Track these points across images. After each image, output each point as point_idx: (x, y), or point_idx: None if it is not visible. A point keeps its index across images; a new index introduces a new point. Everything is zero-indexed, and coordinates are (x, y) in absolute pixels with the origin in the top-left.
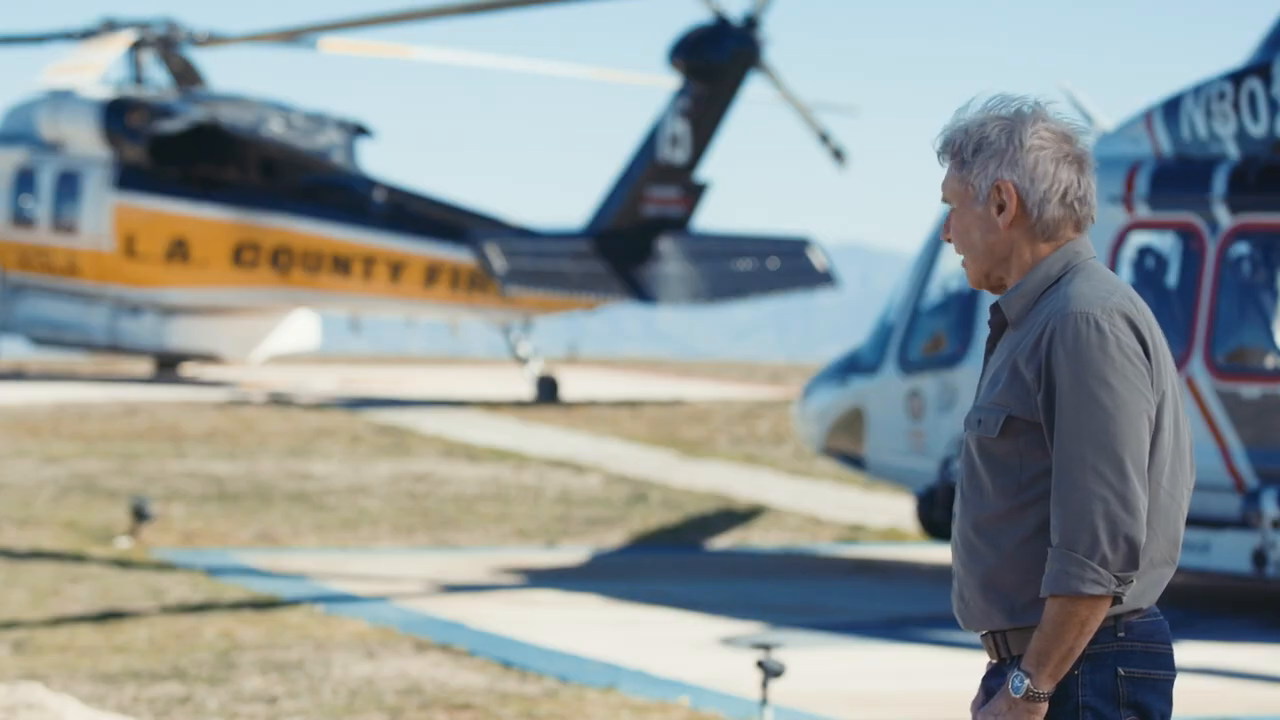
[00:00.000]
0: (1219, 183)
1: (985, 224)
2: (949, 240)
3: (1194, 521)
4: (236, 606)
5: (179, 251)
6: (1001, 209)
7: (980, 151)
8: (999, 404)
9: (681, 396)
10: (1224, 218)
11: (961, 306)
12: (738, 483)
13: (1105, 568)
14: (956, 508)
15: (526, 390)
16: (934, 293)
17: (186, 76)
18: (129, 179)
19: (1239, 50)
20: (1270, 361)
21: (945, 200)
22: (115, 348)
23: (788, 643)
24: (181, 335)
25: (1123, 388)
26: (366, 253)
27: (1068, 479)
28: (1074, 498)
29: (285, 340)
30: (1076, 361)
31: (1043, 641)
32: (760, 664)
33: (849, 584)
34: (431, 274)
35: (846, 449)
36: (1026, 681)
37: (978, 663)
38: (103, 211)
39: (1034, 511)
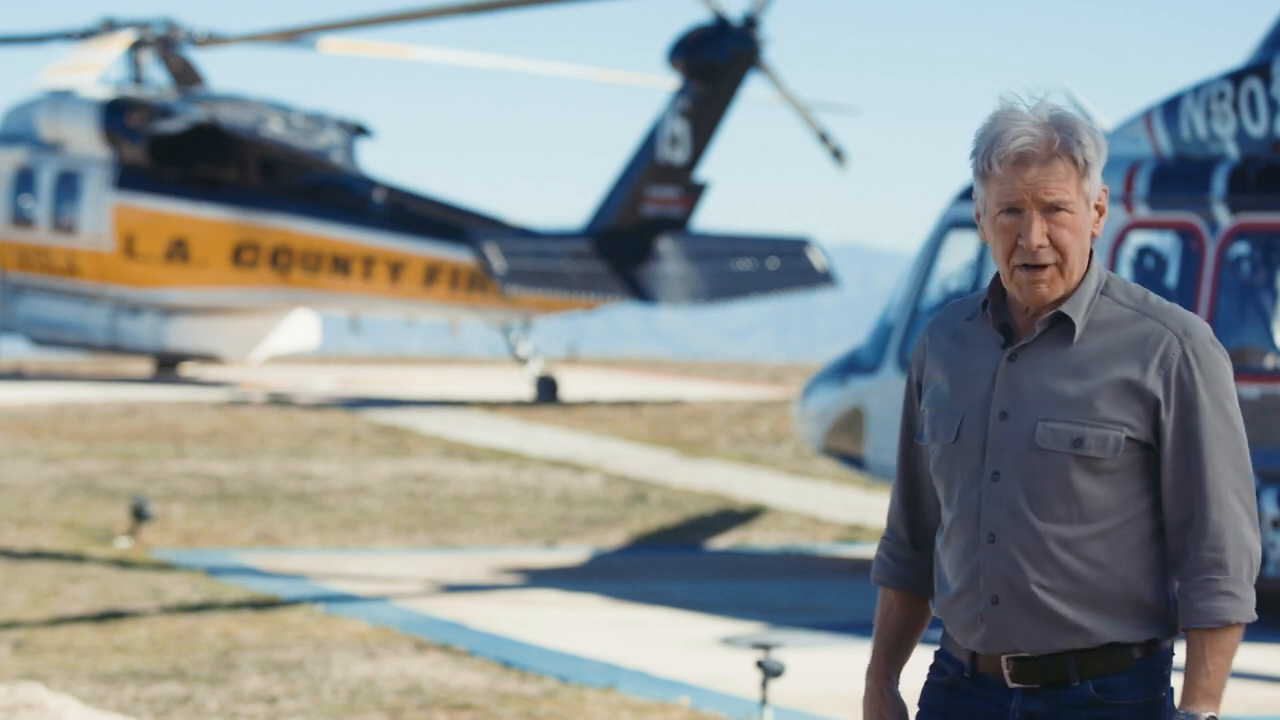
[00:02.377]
0: (1219, 183)
1: (1088, 229)
2: (1033, 246)
3: None
4: (236, 606)
5: (179, 251)
6: (1102, 213)
7: (1098, 159)
8: (1116, 421)
9: (681, 396)
10: (1224, 218)
11: None
12: (738, 483)
13: (1252, 592)
14: (1007, 522)
15: (526, 390)
16: (934, 292)
17: (186, 76)
18: (129, 179)
19: (1239, 50)
20: (1270, 361)
21: (1051, 203)
22: (115, 348)
23: (788, 643)
24: (181, 335)
25: (1239, 411)
26: (366, 253)
27: (1218, 503)
28: (1229, 523)
29: (285, 340)
30: (1214, 383)
31: (1215, 676)
32: (760, 664)
33: (849, 584)
34: (431, 274)
35: (846, 449)
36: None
37: None
38: (102, 211)
39: (1134, 529)
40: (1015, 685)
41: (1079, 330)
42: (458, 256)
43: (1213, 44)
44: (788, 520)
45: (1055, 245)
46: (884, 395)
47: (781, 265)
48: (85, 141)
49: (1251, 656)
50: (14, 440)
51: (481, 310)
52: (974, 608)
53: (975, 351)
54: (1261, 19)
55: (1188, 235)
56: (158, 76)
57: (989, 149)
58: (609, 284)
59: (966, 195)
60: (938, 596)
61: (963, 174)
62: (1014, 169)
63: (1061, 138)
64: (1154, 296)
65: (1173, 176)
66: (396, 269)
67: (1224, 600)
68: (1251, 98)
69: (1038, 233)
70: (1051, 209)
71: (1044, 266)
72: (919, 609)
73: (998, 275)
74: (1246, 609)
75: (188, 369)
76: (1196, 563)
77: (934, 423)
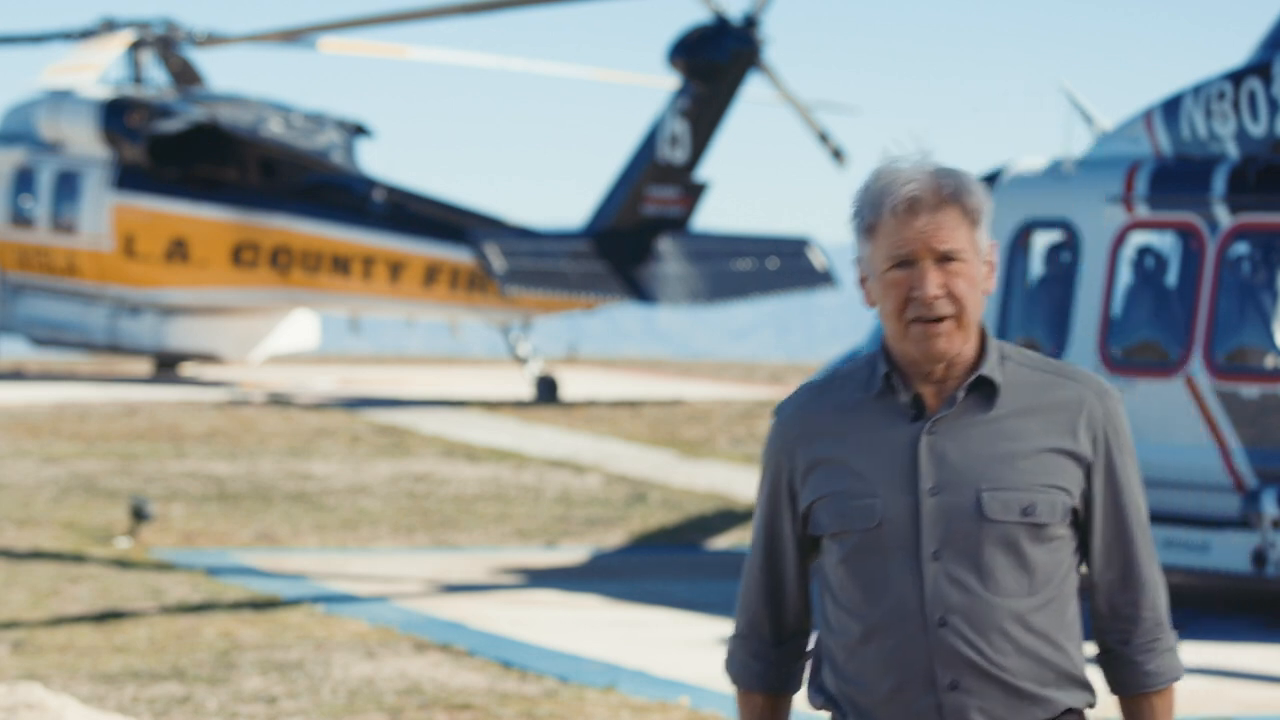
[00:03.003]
0: (1219, 182)
1: (981, 282)
2: (929, 297)
3: (1194, 521)
4: (236, 606)
5: (178, 251)
6: (992, 269)
7: (987, 211)
8: (1058, 486)
9: (681, 396)
10: (1224, 217)
11: None
12: (738, 483)
13: None
14: (959, 601)
15: (526, 390)
16: None
17: (186, 76)
18: (128, 179)
19: (1239, 50)
20: (1270, 361)
21: (944, 251)
22: (115, 348)
23: None
24: (181, 335)
25: None
26: (366, 253)
27: (1150, 561)
28: (1160, 580)
29: (285, 340)
30: (1128, 441)
31: None
32: None
33: None
34: (431, 274)
35: None
36: None
37: None
38: (102, 211)
39: (1067, 596)
40: None
41: (1001, 395)
42: (457, 256)
43: (1212, 44)
44: None
45: (952, 296)
46: None
47: (781, 265)
48: (85, 141)
49: (1251, 656)
50: (14, 440)
51: (481, 310)
52: (926, 699)
53: (877, 427)
54: (1261, 19)
55: (1188, 235)
56: (157, 76)
57: (875, 202)
58: (609, 284)
59: None
60: (853, 697)
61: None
62: (904, 218)
63: (951, 185)
64: (1047, 358)
65: (1173, 176)
66: (396, 269)
67: (1170, 659)
68: (1252, 97)
69: (933, 283)
70: (945, 258)
71: (942, 319)
72: (784, 706)
73: (883, 343)
74: (1182, 666)
75: (187, 369)
76: (1138, 624)
77: (839, 510)
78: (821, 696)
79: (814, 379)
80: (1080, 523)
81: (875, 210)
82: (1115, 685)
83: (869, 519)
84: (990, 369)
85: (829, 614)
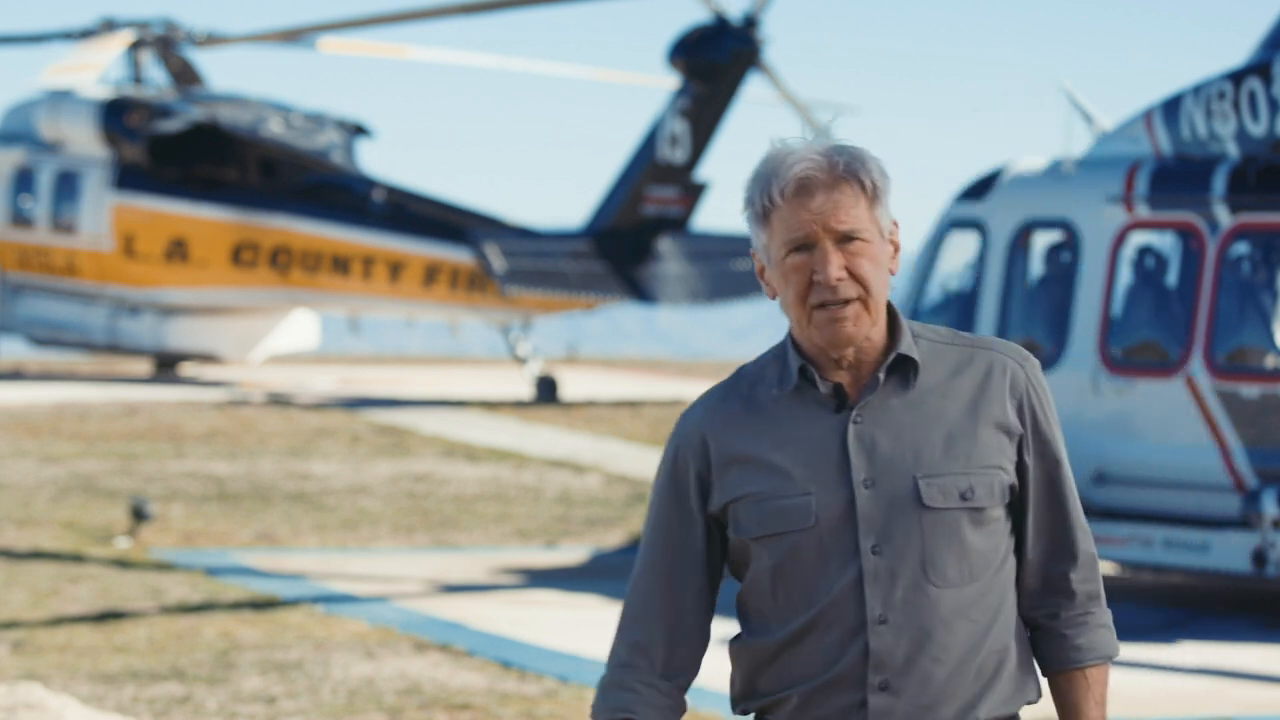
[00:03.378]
0: (1219, 182)
1: (886, 263)
2: (831, 280)
3: (1194, 521)
4: (236, 607)
5: (178, 251)
6: (897, 250)
7: (887, 187)
8: (993, 465)
9: (681, 396)
10: (1224, 217)
11: (961, 306)
12: None
13: None
14: (901, 596)
15: (526, 390)
16: (933, 292)
17: (185, 76)
18: (128, 179)
19: (1239, 50)
20: (1270, 361)
21: (844, 231)
22: (114, 348)
23: None
24: (181, 335)
25: None
26: (366, 253)
27: (1083, 530)
28: (1091, 551)
29: (285, 340)
30: (1052, 408)
31: (1103, 711)
32: None
33: None
34: (431, 274)
35: None
36: None
37: None
38: (102, 211)
39: (1004, 580)
40: None
41: (921, 373)
42: (457, 256)
43: (1212, 44)
44: None
45: (855, 277)
46: None
47: None
48: (85, 141)
49: (1252, 656)
50: (14, 440)
51: (481, 310)
52: (851, 698)
53: (798, 422)
54: (1262, 19)
55: (1188, 235)
56: (157, 76)
57: (766, 186)
58: (609, 284)
59: (967, 195)
60: (773, 701)
61: (964, 174)
62: (797, 199)
63: (845, 161)
64: (956, 330)
65: (1173, 176)
66: (396, 269)
67: (1103, 635)
68: (1252, 97)
69: (834, 265)
70: (845, 239)
71: (847, 301)
72: None
73: (790, 335)
74: (1116, 645)
75: (187, 369)
76: (1071, 597)
77: (768, 512)
78: (744, 703)
79: (719, 383)
80: (1014, 499)
81: (767, 195)
82: (1044, 662)
83: (804, 518)
84: (907, 347)
85: (752, 618)
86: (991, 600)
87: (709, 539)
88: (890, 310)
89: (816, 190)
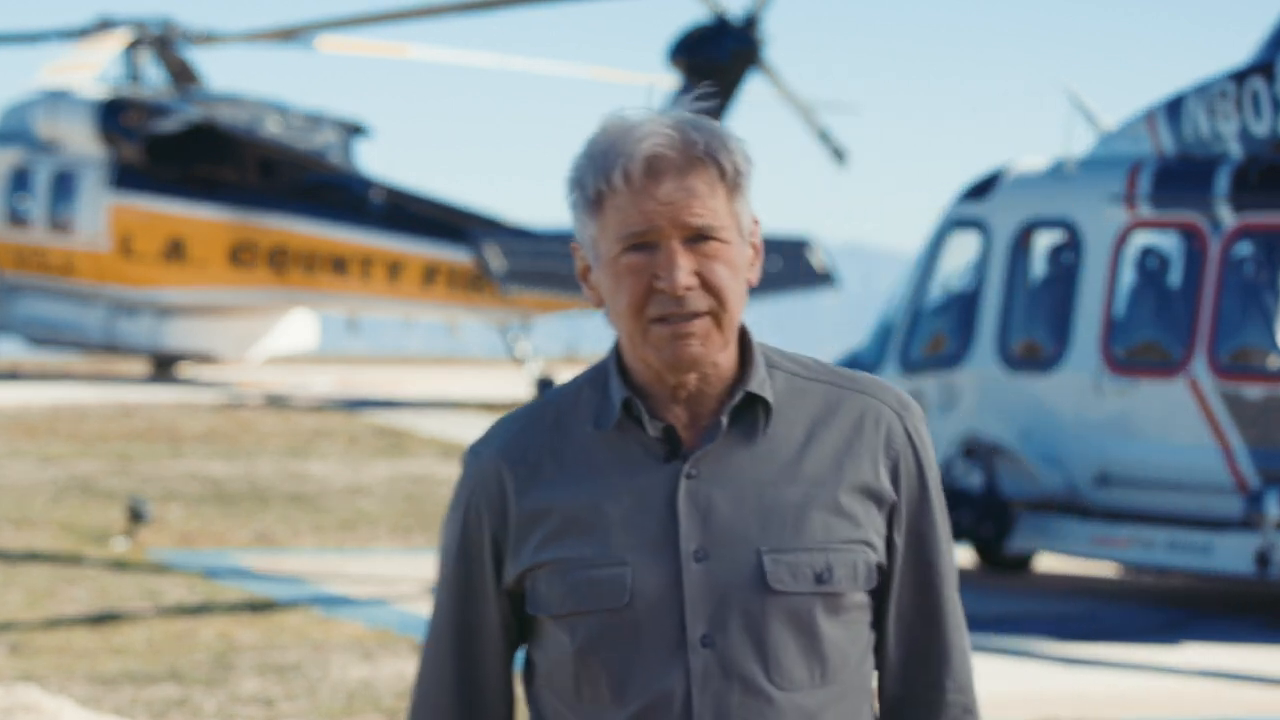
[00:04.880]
0: (1222, 182)
1: (745, 268)
2: (679, 287)
3: (1196, 522)
4: (234, 608)
5: (175, 251)
6: (758, 253)
7: (750, 175)
8: (859, 541)
9: None
10: (1227, 217)
11: (962, 307)
12: None
13: None
14: (736, 702)
15: (525, 390)
16: (935, 293)
17: (183, 76)
18: (125, 179)
19: (1240, 49)
20: (1273, 362)
21: (697, 227)
22: (112, 347)
23: None
24: (178, 335)
25: None
26: (364, 253)
27: (958, 630)
28: (965, 651)
29: (285, 341)
30: (936, 472)
31: None
32: None
33: None
34: (429, 274)
35: None
36: None
37: (977, 664)
38: (99, 211)
39: (863, 681)
40: None
41: (775, 417)
42: (456, 256)
43: (1213, 44)
44: None
45: (708, 286)
46: None
47: (781, 265)
48: (82, 141)
49: (1255, 658)
50: (11, 441)
51: (480, 310)
52: None
53: (618, 472)
54: (1262, 18)
55: (1190, 235)
56: (155, 76)
57: (603, 165)
58: None
59: (968, 195)
60: None
61: (964, 174)
62: (641, 184)
63: (703, 140)
64: (828, 363)
65: (1175, 176)
66: (394, 269)
67: None
68: (1254, 97)
69: (683, 269)
70: (698, 237)
71: (695, 315)
72: None
73: (615, 354)
74: None
75: (185, 369)
76: (938, 709)
77: (572, 584)
78: None
79: (519, 411)
80: (880, 583)
81: (603, 176)
82: None
83: (616, 596)
84: (759, 383)
85: (549, 718)
86: (846, 709)
87: (506, 624)
88: (743, 333)
89: (666, 173)
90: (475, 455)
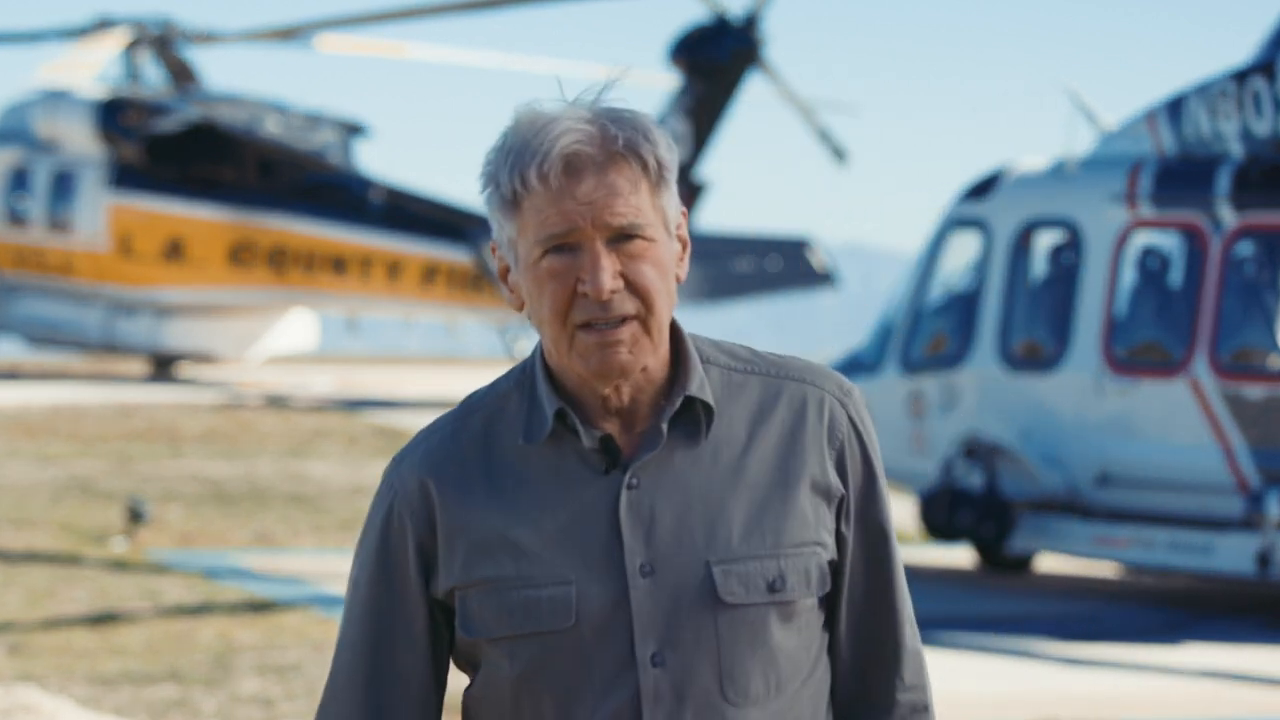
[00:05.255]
0: (1223, 182)
1: (673, 266)
2: (603, 292)
3: (1197, 522)
4: (233, 608)
5: (175, 251)
6: (685, 247)
7: (674, 166)
8: (809, 543)
9: None
10: (1228, 217)
11: (963, 307)
12: None
13: None
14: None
15: None
16: (935, 293)
17: (182, 75)
18: (124, 178)
19: (1241, 49)
20: (1274, 362)
21: (620, 227)
22: (111, 347)
23: None
24: (177, 335)
25: None
26: (363, 253)
27: (909, 624)
28: (919, 648)
29: (284, 341)
30: (879, 459)
31: None
32: None
33: None
34: (429, 274)
35: None
36: None
37: (978, 665)
38: (98, 211)
39: (817, 686)
40: None
41: (716, 417)
42: (456, 256)
43: (1214, 43)
44: None
45: (634, 288)
46: (885, 396)
47: (781, 265)
48: (81, 141)
49: (1256, 658)
50: (10, 441)
51: (480, 310)
52: None
53: (553, 484)
54: (1263, 18)
55: (1191, 235)
56: (154, 75)
57: (519, 162)
58: None
59: (969, 194)
60: None
61: (966, 173)
62: (559, 183)
63: (623, 134)
64: (759, 349)
65: (1176, 176)
66: (394, 269)
67: None
68: (1255, 96)
69: (607, 271)
70: (621, 236)
71: (622, 320)
72: None
73: (541, 358)
74: None
75: (185, 369)
76: (890, 709)
77: (510, 606)
78: None
79: (442, 419)
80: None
81: (519, 175)
82: None
83: (560, 617)
84: (697, 385)
85: None
86: (801, 715)
87: (434, 634)
88: (674, 329)
89: (585, 171)
90: (397, 465)
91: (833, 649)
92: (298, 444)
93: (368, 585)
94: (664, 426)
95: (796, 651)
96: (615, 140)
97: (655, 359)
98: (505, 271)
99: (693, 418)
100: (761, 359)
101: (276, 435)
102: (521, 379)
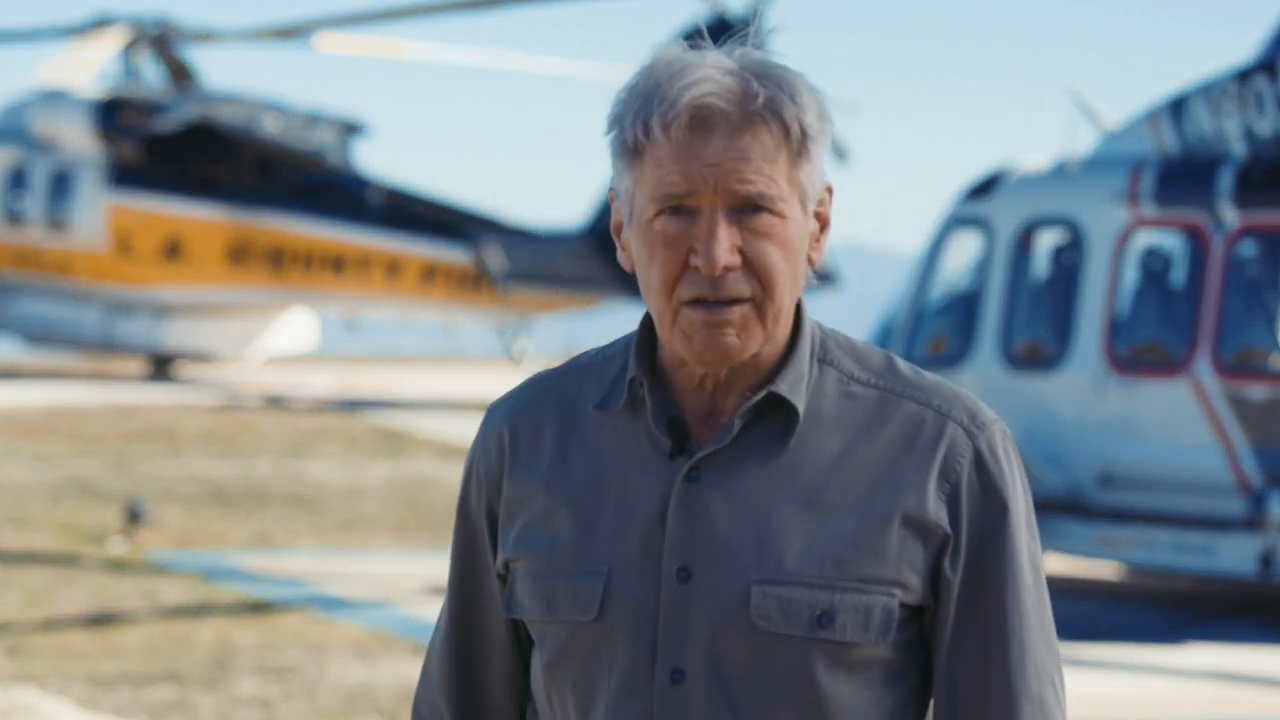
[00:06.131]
0: (1225, 181)
1: (804, 248)
2: (716, 266)
3: (1200, 523)
4: (232, 609)
5: (173, 251)
6: (825, 227)
7: (824, 135)
8: (883, 581)
9: None
10: (1230, 216)
11: (964, 307)
12: None
13: None
14: None
15: None
16: (936, 292)
17: (181, 74)
18: (123, 178)
19: (1243, 48)
20: (1277, 362)
21: (746, 195)
22: (109, 347)
23: None
24: (176, 335)
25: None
26: (362, 252)
27: (1035, 707)
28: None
29: (284, 341)
30: (1024, 505)
31: None
32: None
33: None
34: (428, 274)
35: None
36: None
37: None
38: (96, 211)
39: None
40: None
41: (805, 423)
42: (455, 256)
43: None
44: None
45: (753, 268)
46: None
47: None
48: (79, 140)
49: (1258, 659)
50: (8, 441)
51: (479, 310)
52: None
53: (616, 460)
54: (1265, 17)
55: (1193, 234)
56: (153, 74)
57: (642, 109)
58: (607, 284)
59: (971, 194)
60: None
61: (967, 173)
62: (685, 136)
63: (766, 91)
64: (901, 362)
65: (1178, 175)
66: (393, 268)
67: None
68: (1258, 96)
69: (723, 245)
70: (747, 207)
71: (732, 302)
72: None
73: (646, 325)
74: None
75: (183, 369)
76: None
77: (542, 586)
78: None
79: (547, 372)
80: (925, 631)
81: (640, 122)
82: None
83: (585, 607)
84: (790, 385)
85: None
86: None
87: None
88: (798, 318)
89: (716, 129)
90: (490, 414)
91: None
92: (297, 444)
93: (456, 537)
94: (737, 420)
95: (857, 710)
96: (756, 98)
97: (770, 347)
98: (620, 227)
99: (780, 419)
100: (894, 373)
101: (275, 435)
102: (628, 343)
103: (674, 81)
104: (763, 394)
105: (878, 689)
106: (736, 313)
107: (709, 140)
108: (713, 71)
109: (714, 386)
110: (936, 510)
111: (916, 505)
